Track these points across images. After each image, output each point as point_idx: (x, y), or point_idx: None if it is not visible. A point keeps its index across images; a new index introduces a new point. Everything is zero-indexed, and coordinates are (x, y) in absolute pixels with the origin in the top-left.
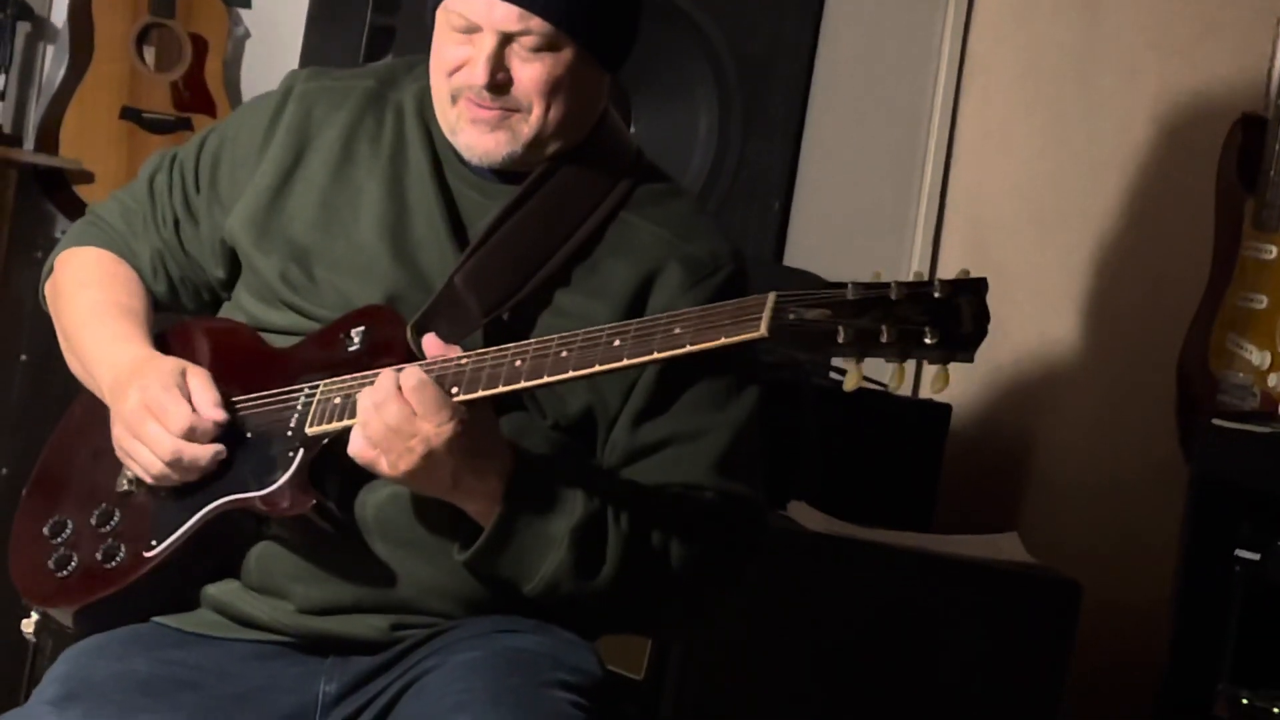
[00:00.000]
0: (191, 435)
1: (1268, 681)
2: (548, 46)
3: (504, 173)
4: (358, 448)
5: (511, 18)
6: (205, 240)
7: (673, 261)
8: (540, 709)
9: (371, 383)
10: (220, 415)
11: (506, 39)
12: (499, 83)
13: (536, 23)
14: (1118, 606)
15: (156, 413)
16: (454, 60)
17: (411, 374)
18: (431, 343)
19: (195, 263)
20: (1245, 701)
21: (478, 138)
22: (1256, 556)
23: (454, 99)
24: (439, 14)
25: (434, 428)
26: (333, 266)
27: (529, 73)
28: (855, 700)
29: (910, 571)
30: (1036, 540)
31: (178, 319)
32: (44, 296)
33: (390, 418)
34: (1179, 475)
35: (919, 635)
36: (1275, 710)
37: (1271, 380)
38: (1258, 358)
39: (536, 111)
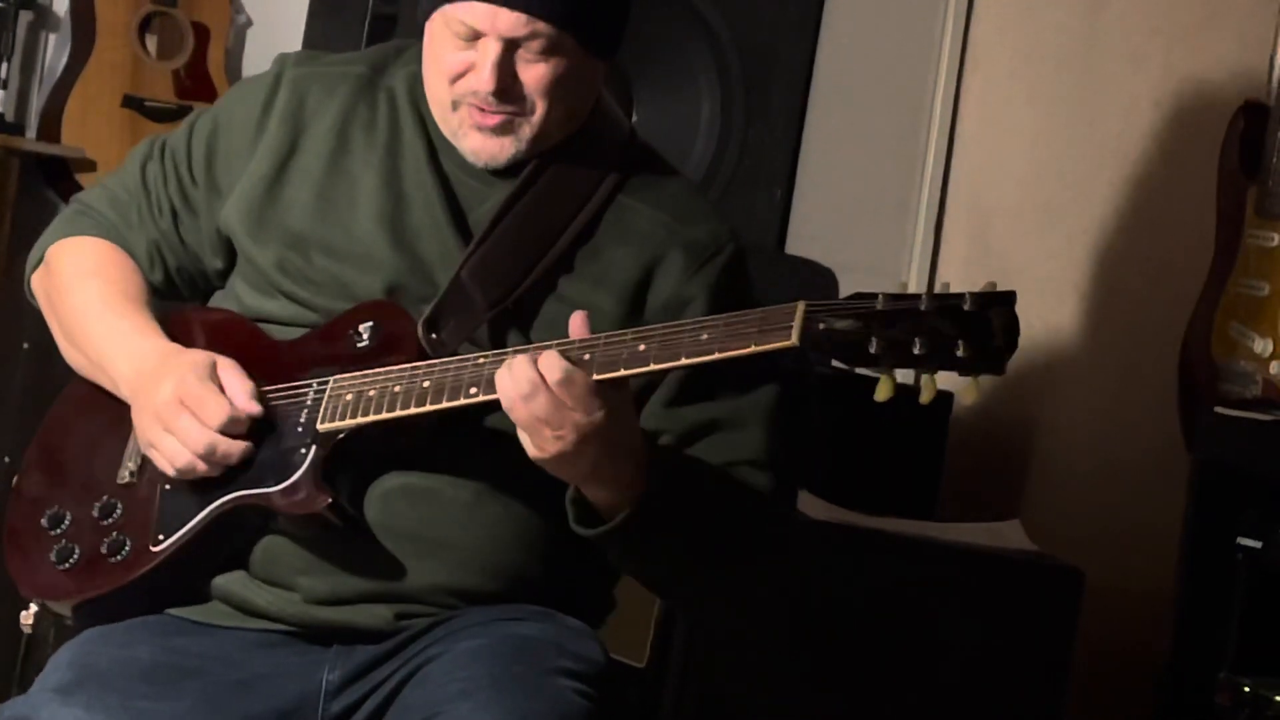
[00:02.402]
0: (228, 428)
1: (1270, 669)
2: (552, 48)
3: None
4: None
5: (518, 24)
6: (204, 231)
7: (674, 247)
8: (544, 696)
9: (394, 382)
10: (256, 408)
11: (512, 44)
12: (506, 87)
13: (542, 26)
14: (1120, 594)
15: (193, 405)
16: (456, 66)
17: (555, 366)
18: (579, 324)
19: (193, 253)
20: (1247, 689)
21: (483, 143)
22: (1259, 544)
23: (455, 105)
24: (437, 19)
25: (586, 417)
26: (331, 255)
27: (534, 75)
28: (858, 688)
29: (913, 559)
30: (1039, 528)
31: (173, 307)
32: (30, 287)
33: (540, 410)
34: (1181, 463)
35: (922, 623)
36: (1277, 698)
37: (1274, 368)
38: (1260, 345)
39: (539, 111)
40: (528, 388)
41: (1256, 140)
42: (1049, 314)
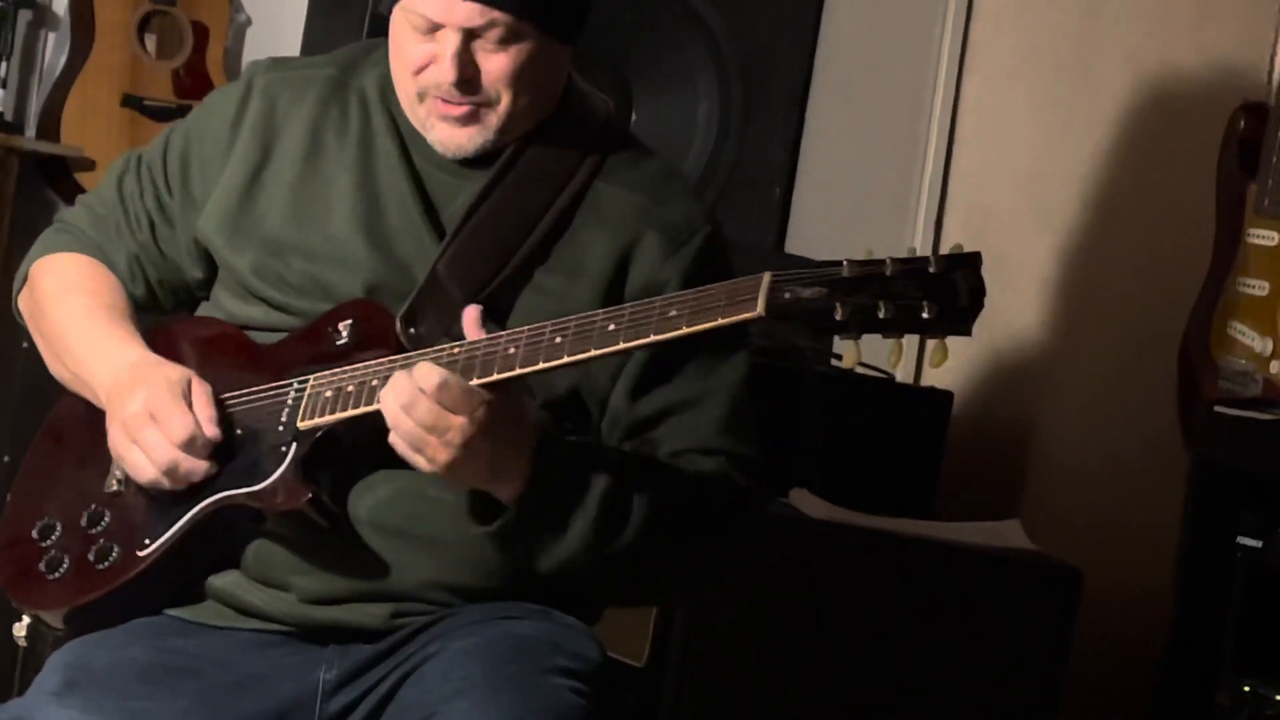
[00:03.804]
0: (190, 446)
1: (1269, 669)
2: (511, 37)
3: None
4: (398, 447)
5: (474, 14)
6: (181, 241)
7: (649, 231)
8: (540, 696)
9: (371, 376)
10: (215, 433)
11: (470, 35)
12: (467, 78)
13: (499, 15)
14: (1119, 593)
15: (160, 419)
16: (418, 59)
17: (431, 374)
18: (471, 321)
19: (172, 264)
20: (1247, 689)
21: (450, 134)
22: (1258, 544)
23: (421, 97)
24: (397, 13)
25: (467, 418)
26: (309, 258)
27: (495, 64)
28: (856, 687)
29: (912, 559)
30: (1038, 527)
31: (158, 319)
32: (18, 308)
33: (421, 417)
34: (1180, 462)
35: (920, 623)
36: (1278, 698)
37: (1273, 367)
38: (1259, 344)
39: (505, 101)
40: (407, 397)
41: (1255, 140)
42: (1048, 313)
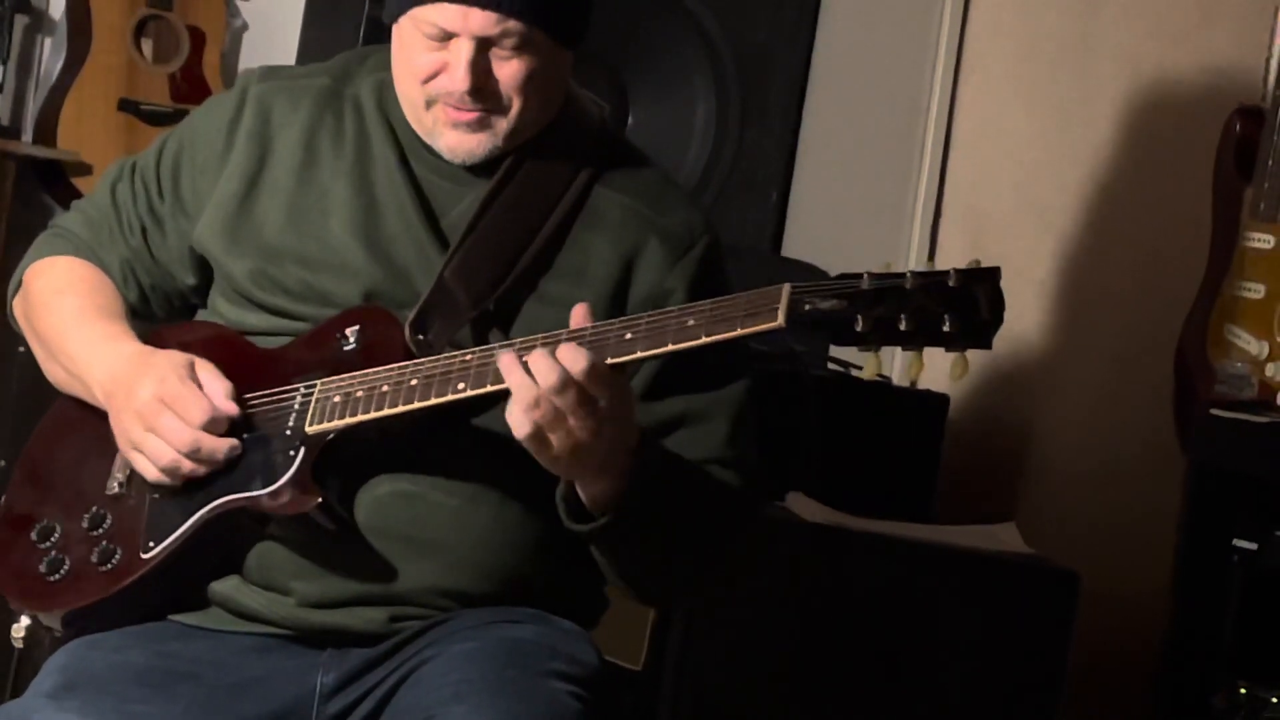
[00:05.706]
0: (211, 426)
1: (1266, 671)
2: (524, 45)
3: None
4: (523, 431)
5: (489, 23)
6: (174, 248)
7: (651, 239)
8: (538, 699)
9: (381, 382)
10: (233, 408)
11: (484, 43)
12: (481, 86)
13: (513, 24)
14: (1116, 597)
15: (174, 404)
16: (428, 67)
17: (581, 355)
18: (582, 314)
19: (165, 270)
20: (1243, 691)
21: (459, 140)
22: (1254, 546)
23: (429, 104)
24: (406, 22)
25: (606, 403)
26: (306, 266)
27: (508, 71)
28: (854, 691)
29: (909, 562)
30: (1034, 530)
31: (154, 327)
32: (13, 312)
33: (569, 402)
34: (1177, 465)
35: (918, 626)
36: (1274, 700)
37: (1269, 370)
38: (1255, 347)
39: (515, 107)
40: (557, 380)
41: (1252, 143)
42: (1044, 317)
